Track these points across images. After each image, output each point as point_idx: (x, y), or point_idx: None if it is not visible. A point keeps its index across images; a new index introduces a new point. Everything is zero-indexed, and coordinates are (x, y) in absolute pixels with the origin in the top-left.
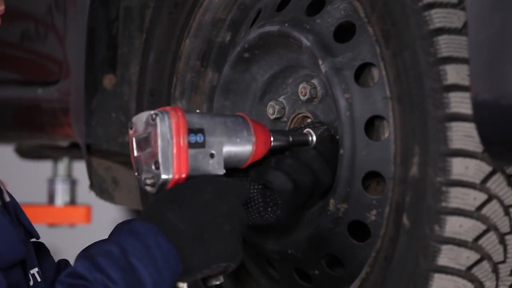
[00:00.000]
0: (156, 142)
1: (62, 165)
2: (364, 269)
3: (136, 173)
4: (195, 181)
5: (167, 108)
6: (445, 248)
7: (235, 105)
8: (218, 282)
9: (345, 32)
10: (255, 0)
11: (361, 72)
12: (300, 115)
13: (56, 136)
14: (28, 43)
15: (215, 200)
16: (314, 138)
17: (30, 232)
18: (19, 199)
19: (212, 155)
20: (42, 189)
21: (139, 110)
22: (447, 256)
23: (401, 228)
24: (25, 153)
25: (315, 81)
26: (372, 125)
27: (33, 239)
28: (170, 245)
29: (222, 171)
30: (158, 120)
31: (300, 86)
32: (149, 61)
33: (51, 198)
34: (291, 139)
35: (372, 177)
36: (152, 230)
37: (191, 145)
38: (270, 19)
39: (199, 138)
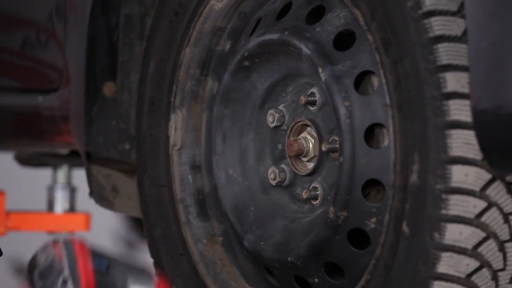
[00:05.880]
0: None
1: (62, 173)
2: (364, 276)
3: None
4: None
5: None
6: (445, 255)
7: (235, 114)
8: None
9: (345, 40)
10: (255, 9)
11: (361, 80)
12: (300, 123)
13: (56, 143)
14: (29, 51)
15: None
16: None
17: None
18: (18, 206)
19: None
20: (41, 196)
21: (139, 118)
22: (447, 263)
23: (401, 236)
24: (24, 160)
25: (315, 89)
26: (372, 132)
27: None
28: None
29: None
30: None
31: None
32: (149, 69)
33: (50, 206)
34: None
35: (372, 184)
36: None
37: None
38: (270, 28)
39: None
